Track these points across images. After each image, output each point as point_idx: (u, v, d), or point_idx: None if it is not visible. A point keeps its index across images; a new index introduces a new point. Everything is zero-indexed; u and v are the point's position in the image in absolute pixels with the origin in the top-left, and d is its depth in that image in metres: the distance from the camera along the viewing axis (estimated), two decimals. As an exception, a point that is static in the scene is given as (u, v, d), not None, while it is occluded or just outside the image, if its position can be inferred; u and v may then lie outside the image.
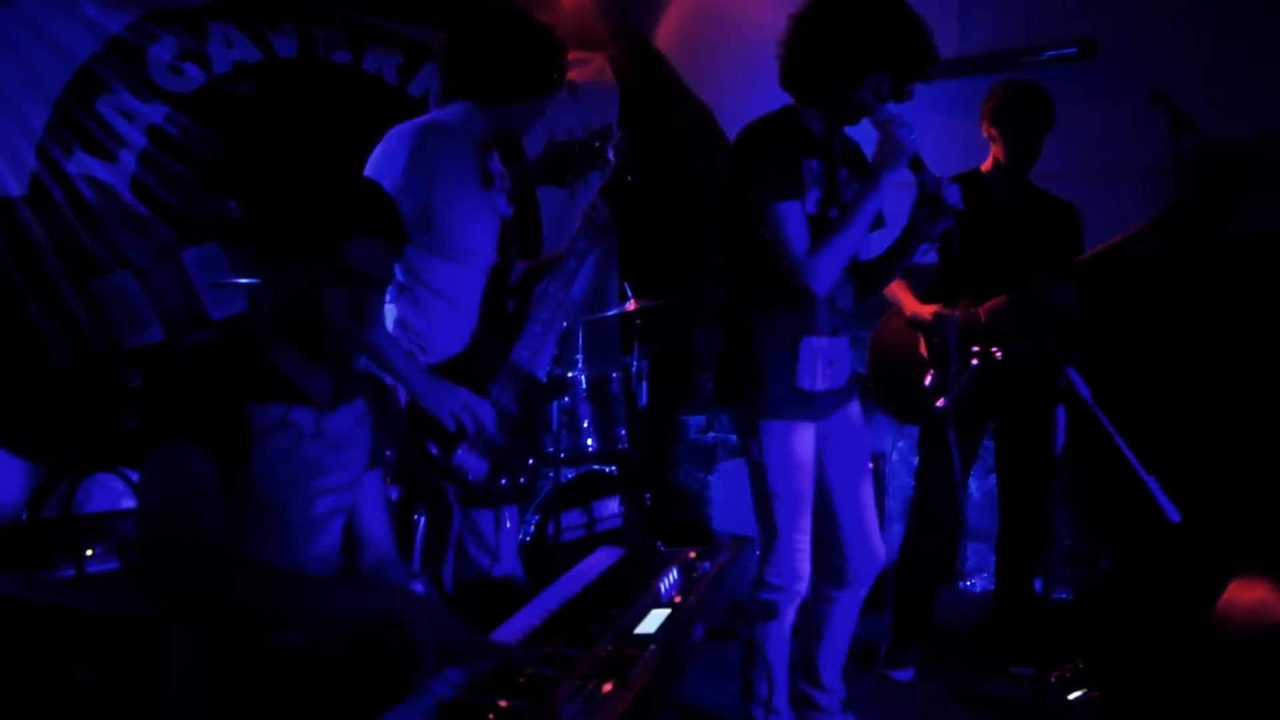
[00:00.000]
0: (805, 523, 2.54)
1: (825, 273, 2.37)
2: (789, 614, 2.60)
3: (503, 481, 2.41)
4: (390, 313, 2.47)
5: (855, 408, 2.70)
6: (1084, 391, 2.27)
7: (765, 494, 2.52)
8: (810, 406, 2.52)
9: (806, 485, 2.54)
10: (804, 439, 2.52)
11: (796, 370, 2.47)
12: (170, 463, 1.52)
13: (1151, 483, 2.21)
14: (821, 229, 2.41)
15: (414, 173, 2.32)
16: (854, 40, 2.34)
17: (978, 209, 3.20)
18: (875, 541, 2.69)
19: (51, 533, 3.19)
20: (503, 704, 1.30)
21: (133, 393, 3.60)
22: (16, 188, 3.42)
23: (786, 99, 2.57)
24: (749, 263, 2.51)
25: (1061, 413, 2.36)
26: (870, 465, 2.78)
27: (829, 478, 2.64)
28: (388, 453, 3.27)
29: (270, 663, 1.56)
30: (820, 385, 2.51)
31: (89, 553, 3.19)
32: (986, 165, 3.26)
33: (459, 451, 2.34)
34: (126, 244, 3.63)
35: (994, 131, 3.19)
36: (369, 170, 2.37)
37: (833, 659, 2.77)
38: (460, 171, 2.43)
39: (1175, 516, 2.21)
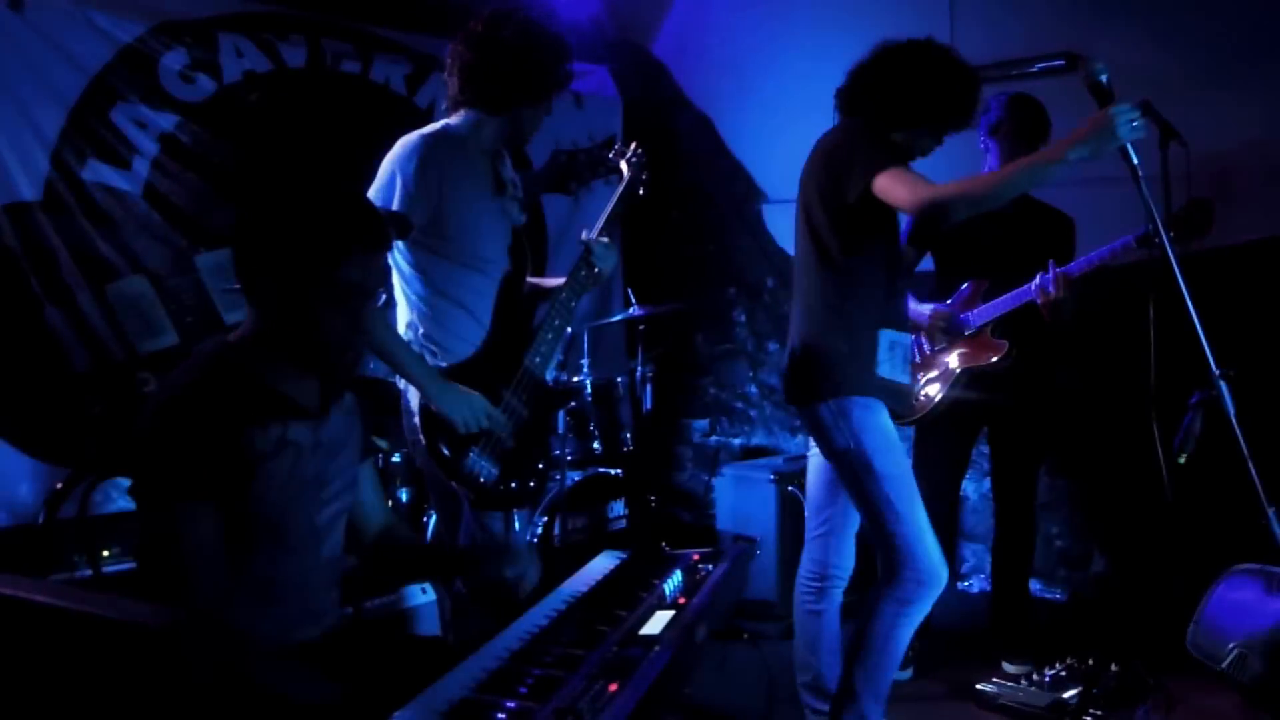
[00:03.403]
0: (921, 506, 2.47)
1: (957, 206, 2.27)
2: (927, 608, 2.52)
3: (512, 485, 2.44)
4: (402, 316, 2.51)
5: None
6: (1230, 409, 2.10)
7: (872, 479, 2.43)
8: (889, 395, 2.51)
9: (908, 465, 2.49)
10: (888, 419, 2.49)
11: (876, 359, 2.47)
12: (177, 527, 1.52)
13: (1271, 513, 2.10)
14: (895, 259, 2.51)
15: (424, 179, 2.34)
16: (921, 97, 2.43)
17: (973, 218, 3.26)
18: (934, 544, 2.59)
19: (68, 534, 3.23)
20: (510, 704, 1.31)
21: (148, 398, 3.64)
22: (31, 193, 3.46)
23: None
24: (824, 263, 2.49)
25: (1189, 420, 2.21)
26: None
27: None
28: (397, 455, 3.32)
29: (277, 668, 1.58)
30: (895, 376, 2.52)
31: (105, 554, 3.23)
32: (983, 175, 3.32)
33: (470, 454, 2.37)
34: (140, 250, 3.66)
35: (990, 143, 3.25)
36: (379, 178, 2.39)
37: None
38: (471, 178, 2.46)
39: None
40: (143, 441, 1.57)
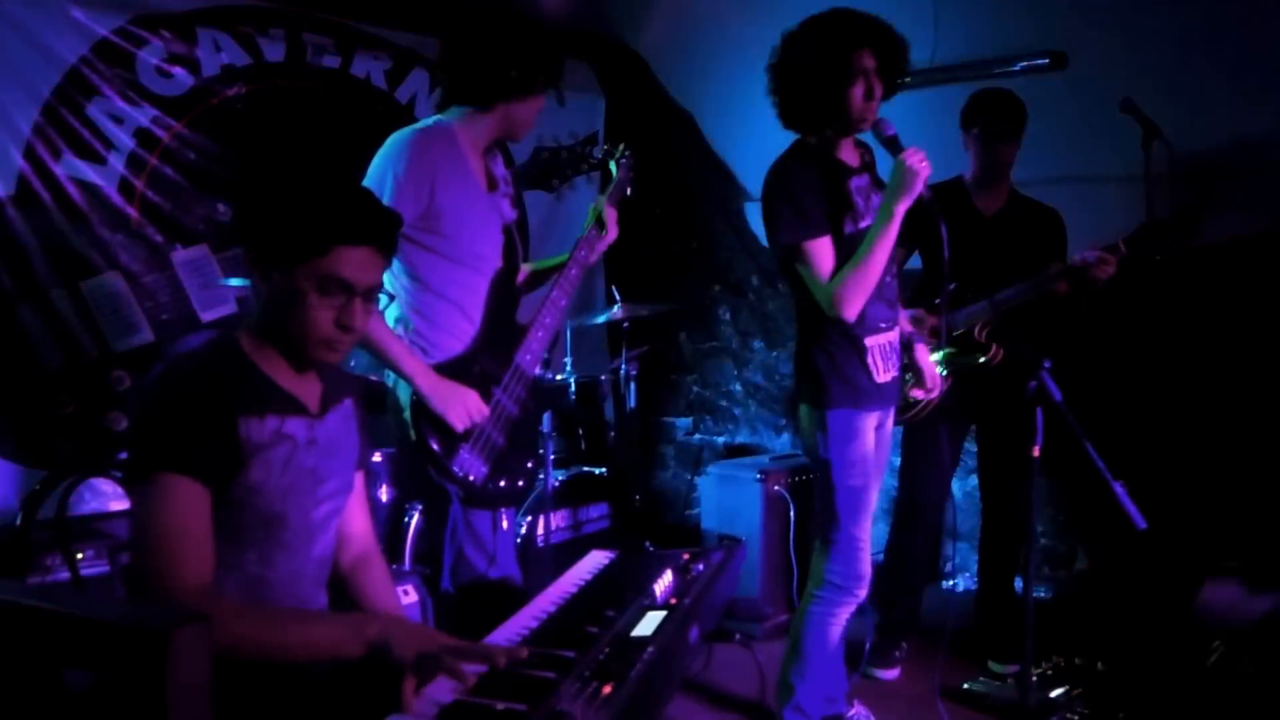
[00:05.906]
0: (868, 519, 2.65)
1: (852, 303, 2.49)
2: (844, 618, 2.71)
3: (501, 483, 2.43)
4: (391, 313, 2.47)
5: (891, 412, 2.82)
6: (1056, 395, 2.32)
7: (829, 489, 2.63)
8: (875, 397, 2.63)
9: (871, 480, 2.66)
10: (867, 431, 2.63)
11: (867, 365, 2.60)
12: (159, 500, 1.50)
13: (1119, 489, 2.26)
14: (852, 247, 2.52)
15: (416, 176, 2.32)
16: (826, 58, 2.45)
17: (960, 216, 3.27)
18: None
19: (44, 536, 3.17)
20: (502, 707, 1.30)
21: (123, 396, 3.59)
22: (2, 188, 3.40)
23: (768, 107, 2.63)
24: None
25: (1040, 415, 2.40)
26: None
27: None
28: (386, 452, 3.27)
29: (275, 670, 1.55)
30: (883, 376, 2.64)
31: (80, 556, 3.17)
32: (967, 173, 3.32)
33: (461, 452, 2.35)
34: (115, 246, 3.61)
35: (971, 139, 3.25)
36: (370, 175, 2.37)
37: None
38: (463, 175, 2.43)
39: (1141, 524, 2.25)
40: (136, 416, 1.58)
